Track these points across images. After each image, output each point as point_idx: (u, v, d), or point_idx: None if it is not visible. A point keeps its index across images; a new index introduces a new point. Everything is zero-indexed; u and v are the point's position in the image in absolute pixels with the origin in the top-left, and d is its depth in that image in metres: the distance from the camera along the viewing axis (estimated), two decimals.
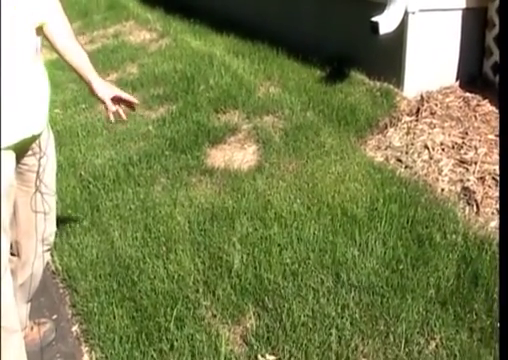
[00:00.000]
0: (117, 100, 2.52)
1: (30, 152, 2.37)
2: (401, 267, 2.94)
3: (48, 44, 2.37)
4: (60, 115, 5.08)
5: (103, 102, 2.48)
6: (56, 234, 3.32)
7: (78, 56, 2.44)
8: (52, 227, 2.61)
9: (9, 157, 2.19)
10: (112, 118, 2.51)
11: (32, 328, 2.80)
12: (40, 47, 2.27)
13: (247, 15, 6.54)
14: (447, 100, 4.46)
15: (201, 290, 2.93)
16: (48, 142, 2.44)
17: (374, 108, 4.45)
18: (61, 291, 3.15)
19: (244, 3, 6.74)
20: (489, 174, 3.57)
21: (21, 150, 2.28)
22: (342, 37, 5.14)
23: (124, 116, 2.56)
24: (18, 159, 2.29)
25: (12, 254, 2.48)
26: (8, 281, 2.36)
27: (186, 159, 4.13)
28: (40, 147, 2.38)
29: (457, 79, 4.72)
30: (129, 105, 2.60)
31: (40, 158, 2.39)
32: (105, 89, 2.48)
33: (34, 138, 2.30)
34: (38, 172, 2.40)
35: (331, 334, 2.61)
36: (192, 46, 6.29)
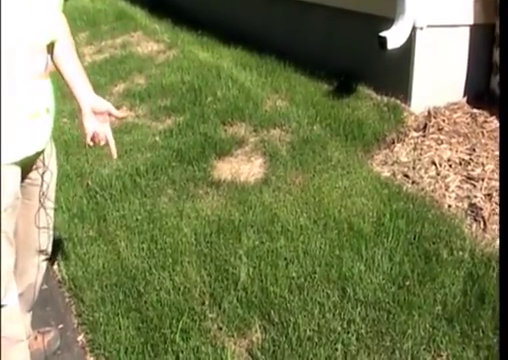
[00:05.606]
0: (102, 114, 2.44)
1: (33, 167, 2.36)
2: (408, 283, 2.94)
3: None
4: (68, 125, 5.08)
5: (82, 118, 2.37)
6: (62, 243, 3.35)
7: (73, 67, 2.39)
8: (51, 238, 2.60)
9: (15, 171, 2.18)
10: (89, 141, 2.40)
11: (36, 337, 2.78)
12: (49, 63, 2.23)
13: (254, 28, 6.57)
14: (454, 116, 4.47)
15: (207, 302, 2.93)
16: (51, 157, 2.43)
17: (381, 123, 4.45)
18: (67, 300, 3.14)
19: (251, 16, 6.77)
20: (496, 191, 3.57)
21: (25, 166, 2.26)
22: (350, 51, 5.16)
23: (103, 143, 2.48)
24: (22, 174, 2.27)
25: None
26: (14, 291, 2.36)
27: (193, 171, 4.14)
28: (43, 162, 2.37)
29: (464, 95, 4.73)
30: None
31: (43, 173, 2.38)
32: (90, 99, 2.38)
33: (37, 154, 2.28)
34: (42, 187, 2.39)
35: (337, 349, 2.60)
36: (200, 58, 6.30)
